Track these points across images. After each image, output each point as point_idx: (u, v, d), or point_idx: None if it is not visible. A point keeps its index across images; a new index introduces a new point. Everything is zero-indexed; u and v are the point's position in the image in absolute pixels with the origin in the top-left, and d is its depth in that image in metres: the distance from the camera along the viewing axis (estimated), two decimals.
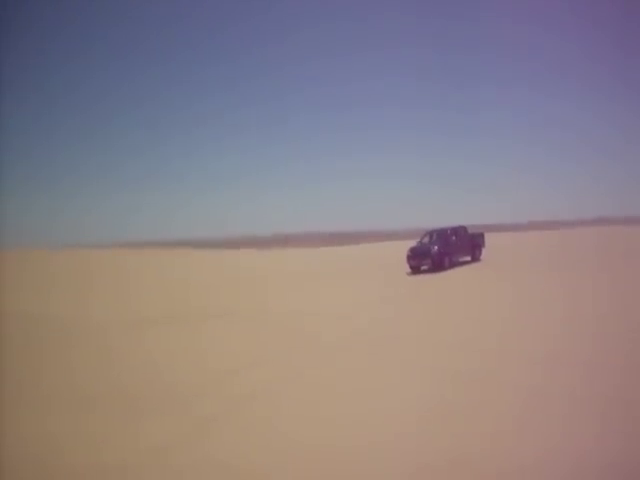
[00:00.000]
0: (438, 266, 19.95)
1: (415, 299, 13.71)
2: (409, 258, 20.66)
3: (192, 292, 19.12)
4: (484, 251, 22.94)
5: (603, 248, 24.40)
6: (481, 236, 22.67)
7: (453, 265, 20.68)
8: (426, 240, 21.83)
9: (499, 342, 7.79)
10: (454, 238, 21.21)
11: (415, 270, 20.50)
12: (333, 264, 29.37)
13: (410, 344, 8.23)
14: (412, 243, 23.06)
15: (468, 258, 22.09)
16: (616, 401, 4.96)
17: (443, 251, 20.26)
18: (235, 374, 7.15)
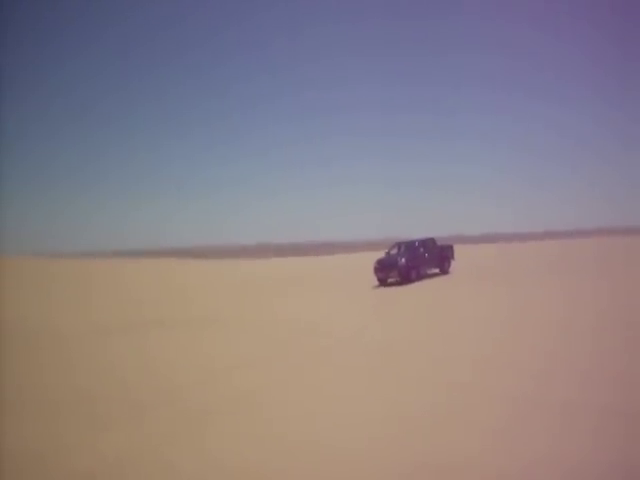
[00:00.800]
0: (405, 278, 19.89)
1: (393, 308, 13.89)
2: (376, 270, 20.61)
3: (185, 299, 19.79)
4: (453, 263, 22.86)
5: (586, 257, 24.43)
6: (450, 248, 22.62)
7: (421, 277, 20.61)
8: (394, 252, 21.77)
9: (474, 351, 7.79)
10: (422, 250, 21.18)
11: (382, 282, 20.42)
12: (317, 274, 29.42)
13: (391, 350, 8.53)
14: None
15: (437, 270, 22.02)
16: (613, 413, 4.88)
17: (411, 264, 20.21)
18: (229, 376, 7.58)
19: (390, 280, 20.40)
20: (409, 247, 21.34)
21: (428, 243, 21.77)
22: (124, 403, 6.49)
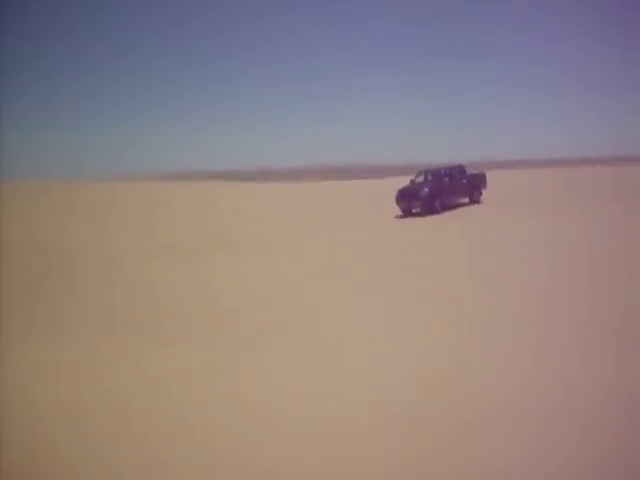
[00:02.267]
0: (428, 209, 18.63)
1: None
2: (398, 200, 19.41)
3: (204, 223, 19.13)
4: (485, 192, 21.13)
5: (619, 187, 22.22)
6: (482, 177, 20.85)
7: (446, 208, 19.21)
8: (420, 179, 20.32)
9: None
10: (448, 179, 19.64)
11: (406, 213, 19.23)
12: (341, 200, 28.15)
13: (422, 286, 8.42)
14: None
15: (466, 200, 20.51)
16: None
17: (435, 193, 18.83)
18: (251, 308, 7.49)
19: (414, 210, 19.20)
20: (435, 175, 19.84)
21: (456, 171, 20.12)
22: (137, 332, 6.54)
